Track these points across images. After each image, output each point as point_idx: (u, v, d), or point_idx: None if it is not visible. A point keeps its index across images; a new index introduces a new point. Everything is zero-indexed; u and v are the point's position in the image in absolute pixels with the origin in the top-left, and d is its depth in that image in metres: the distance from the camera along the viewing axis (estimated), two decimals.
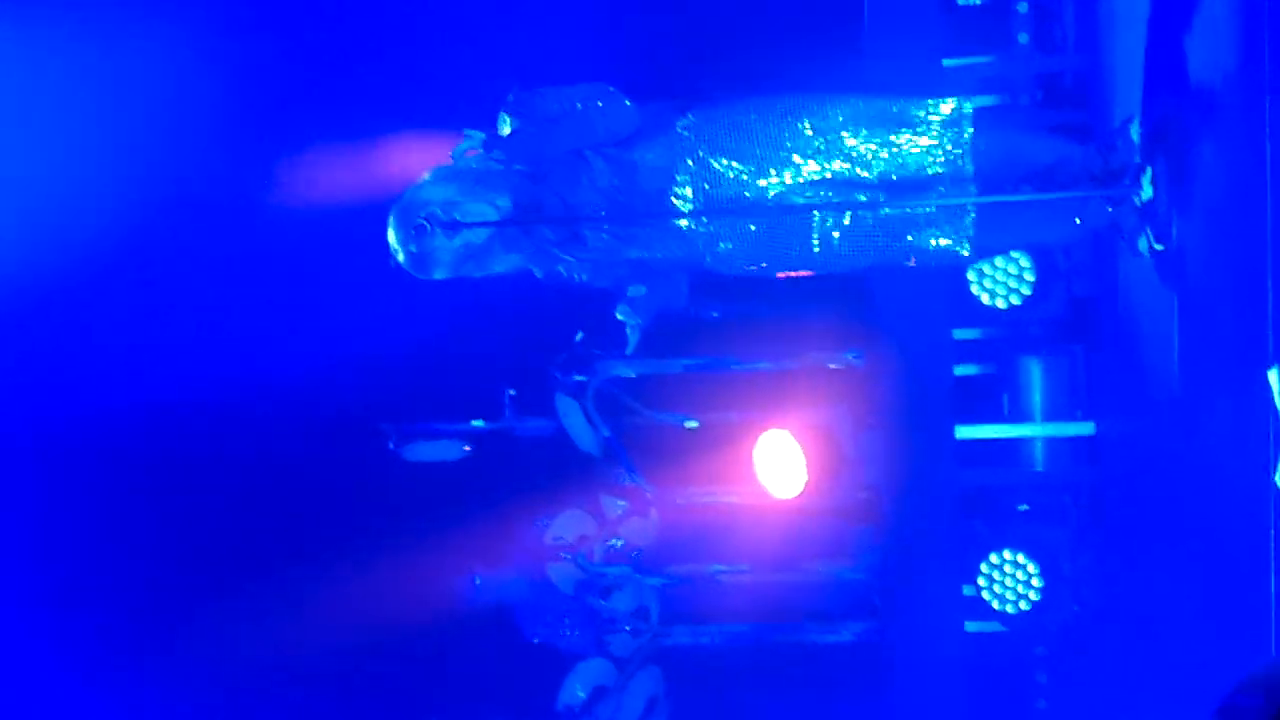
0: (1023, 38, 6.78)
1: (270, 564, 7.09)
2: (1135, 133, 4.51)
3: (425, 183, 4.60)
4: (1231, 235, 3.98)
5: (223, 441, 7.17)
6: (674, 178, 4.49)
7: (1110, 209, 4.54)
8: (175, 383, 7.08)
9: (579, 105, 4.52)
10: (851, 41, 6.45)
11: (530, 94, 4.63)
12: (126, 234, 6.91)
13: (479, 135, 4.63)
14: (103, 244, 6.87)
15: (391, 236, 4.55)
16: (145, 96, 6.87)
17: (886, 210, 4.43)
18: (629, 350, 4.80)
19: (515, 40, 6.80)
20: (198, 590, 7.11)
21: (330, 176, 6.88)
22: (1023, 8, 6.75)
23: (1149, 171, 4.45)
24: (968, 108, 4.47)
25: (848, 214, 4.45)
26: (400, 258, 4.54)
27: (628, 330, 4.71)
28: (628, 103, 4.55)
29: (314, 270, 6.93)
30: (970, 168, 4.42)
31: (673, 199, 4.47)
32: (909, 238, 4.46)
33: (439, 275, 4.55)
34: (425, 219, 4.46)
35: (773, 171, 4.45)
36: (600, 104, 4.52)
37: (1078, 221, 4.57)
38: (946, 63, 6.60)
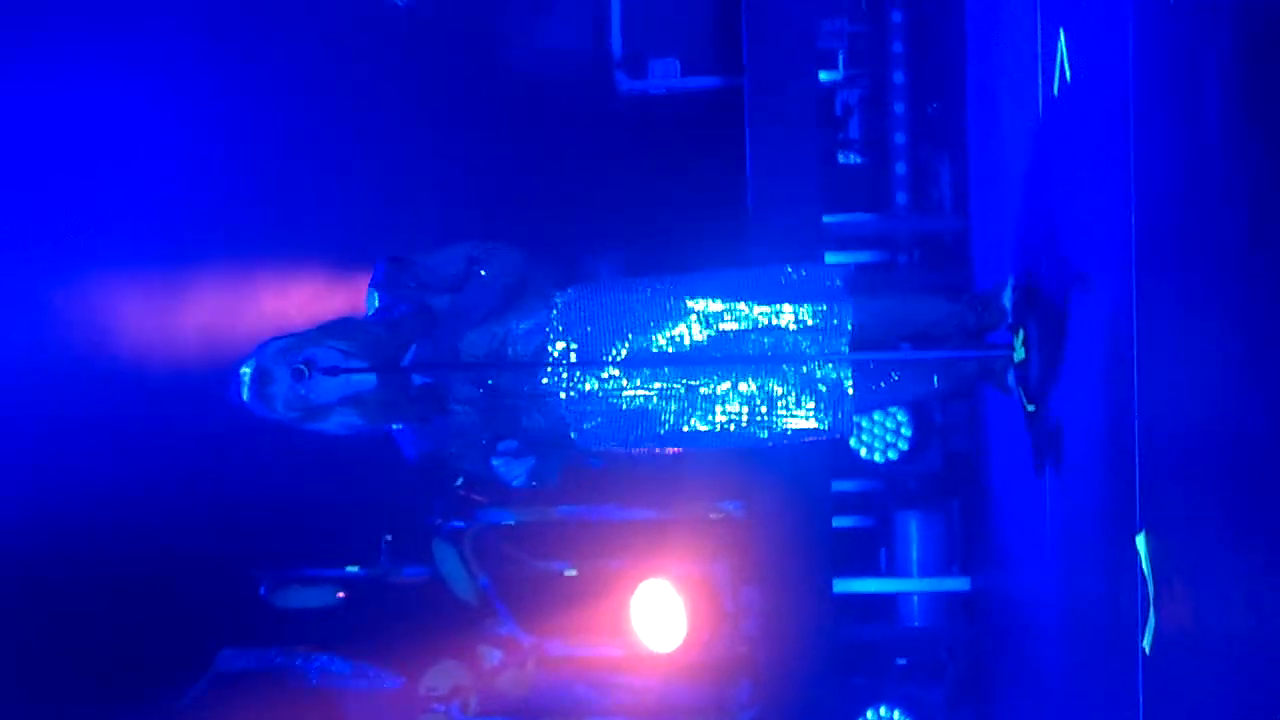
0: (901, 198, 6.94)
1: (128, 706, 6.87)
2: (1008, 297, 4.59)
3: (311, 336, 4.50)
4: (1100, 400, 4.05)
5: (86, 579, 6.98)
6: (545, 352, 4.47)
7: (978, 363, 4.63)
8: (45, 521, 6.92)
9: (484, 274, 4.49)
10: (735, 198, 6.56)
11: (404, 264, 4.58)
12: None
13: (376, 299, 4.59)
14: None
15: (250, 368, 4.44)
16: None
17: (758, 383, 4.44)
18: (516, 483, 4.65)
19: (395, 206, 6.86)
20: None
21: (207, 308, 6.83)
22: (901, 169, 6.92)
23: (1021, 333, 4.53)
24: (838, 282, 4.52)
25: (720, 401, 4.46)
26: (245, 392, 4.44)
27: (510, 479, 4.61)
28: (515, 252, 4.56)
29: (187, 410, 6.83)
30: (845, 339, 4.46)
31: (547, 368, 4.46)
32: (784, 424, 4.47)
33: (270, 415, 4.45)
34: (305, 362, 4.38)
35: (649, 349, 4.45)
36: (498, 262, 4.51)
37: (935, 382, 4.64)
38: (827, 219, 6.72)
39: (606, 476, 6.99)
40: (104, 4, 6.93)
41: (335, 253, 6.14)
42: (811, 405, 4.44)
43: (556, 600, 7.18)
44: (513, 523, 7.13)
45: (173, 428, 6.90)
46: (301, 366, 4.35)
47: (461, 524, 7.11)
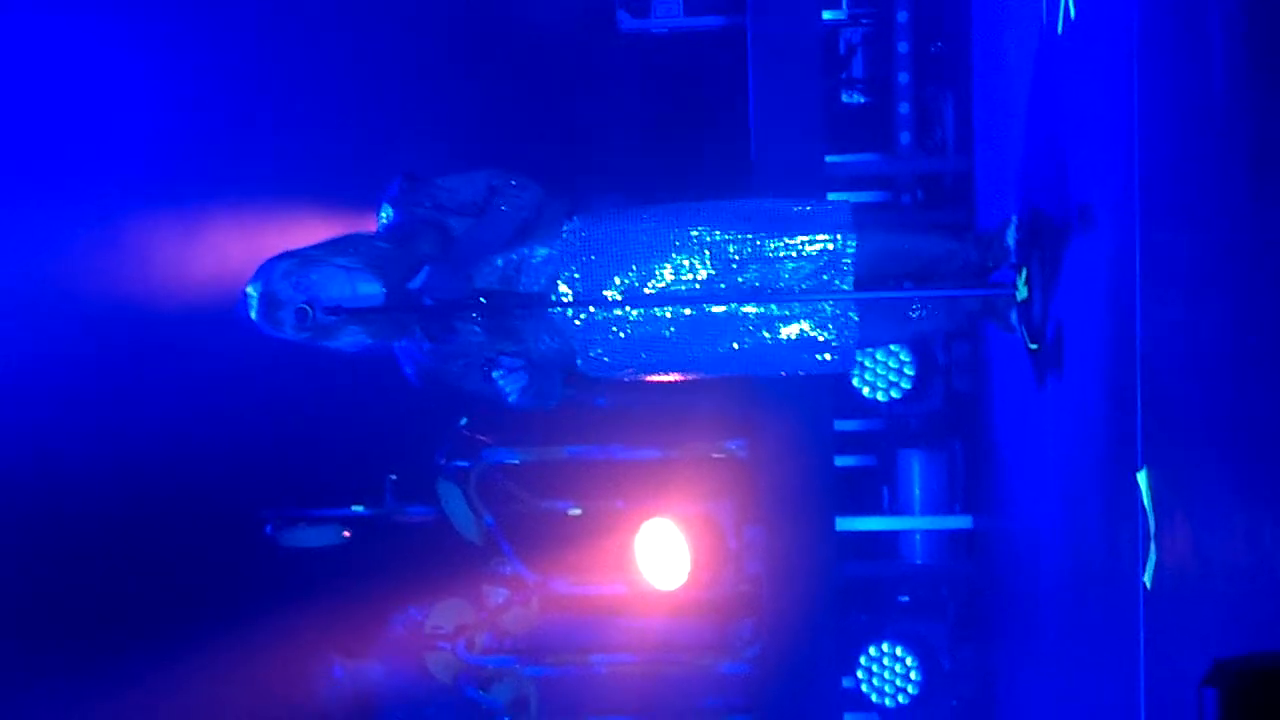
0: (904, 138, 6.93)
1: (134, 645, 6.93)
2: (1011, 236, 4.60)
3: (315, 255, 4.49)
4: (1102, 338, 4.07)
5: (95, 518, 7.03)
6: (557, 278, 4.49)
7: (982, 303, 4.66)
8: (52, 456, 6.95)
9: (504, 207, 4.49)
10: (737, 138, 6.55)
11: (421, 183, 4.59)
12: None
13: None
14: None
15: (256, 290, 4.46)
16: None
17: (762, 309, 4.45)
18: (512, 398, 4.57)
19: (396, 133, 6.86)
20: (49, 666, 6.93)
21: (209, 249, 6.85)
22: (904, 109, 6.90)
23: (1024, 272, 4.54)
24: (845, 216, 4.54)
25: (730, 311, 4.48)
26: (253, 313, 4.47)
27: (506, 388, 4.55)
28: (535, 186, 4.56)
29: (193, 349, 6.85)
30: (850, 273, 4.48)
31: (554, 298, 4.47)
32: (789, 335, 4.49)
33: (280, 336, 4.46)
34: (308, 303, 4.39)
35: (654, 279, 4.48)
36: (517, 194, 4.51)
37: (938, 319, 4.68)
38: (830, 159, 6.71)
39: (610, 416, 7.00)
40: None
41: (341, 189, 6.16)
42: (817, 334, 4.47)
43: (561, 539, 7.21)
44: (517, 462, 7.15)
45: (179, 367, 6.94)
46: (305, 307, 4.36)
47: (466, 463, 7.12)
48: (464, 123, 7.03)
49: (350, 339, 4.47)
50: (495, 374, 4.45)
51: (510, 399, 4.50)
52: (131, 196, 7.05)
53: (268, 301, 4.41)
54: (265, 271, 4.45)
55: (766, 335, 4.48)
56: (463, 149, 6.42)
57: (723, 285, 4.46)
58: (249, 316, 4.46)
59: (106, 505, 7.06)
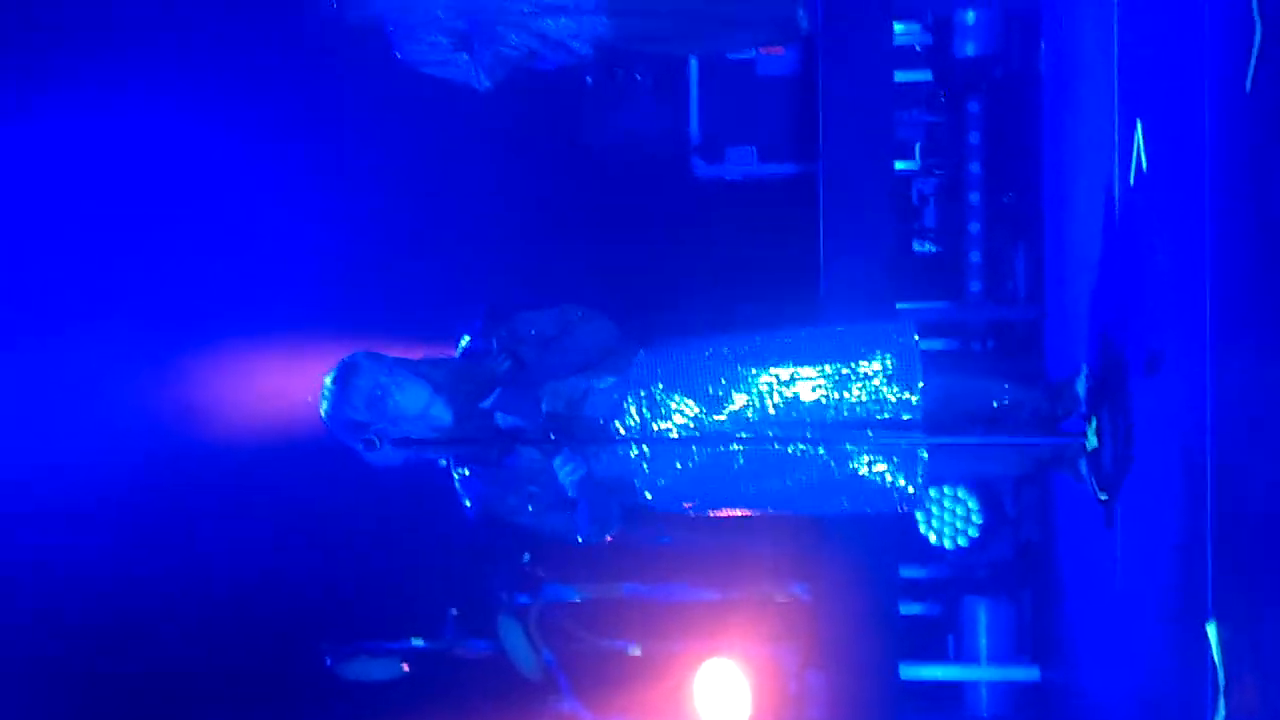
0: (975, 286, 6.97)
1: None
2: (1082, 386, 4.60)
3: (406, 376, 4.55)
4: (1174, 489, 4.05)
5: (155, 648, 7.05)
6: (622, 409, 4.52)
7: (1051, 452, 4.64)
8: (110, 589, 7.00)
9: (577, 338, 4.56)
10: (809, 284, 6.61)
11: (501, 315, 4.67)
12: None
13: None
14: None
15: (333, 381, 4.46)
16: None
17: (823, 452, 4.45)
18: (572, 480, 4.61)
19: (473, 267, 6.99)
20: None
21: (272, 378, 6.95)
22: (975, 258, 6.96)
23: (1094, 422, 4.53)
24: (914, 337, 4.55)
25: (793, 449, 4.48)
26: (327, 392, 4.48)
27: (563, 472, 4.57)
28: (609, 322, 4.63)
29: (259, 482, 6.92)
30: (919, 413, 4.48)
31: (619, 429, 4.50)
32: (857, 470, 4.48)
33: (350, 415, 4.47)
34: (376, 434, 4.44)
35: (719, 411, 4.49)
36: (591, 329, 4.58)
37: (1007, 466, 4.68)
38: (901, 306, 6.75)
39: (672, 556, 6.99)
40: (225, 91, 7.18)
41: (420, 325, 6.29)
42: (883, 469, 4.45)
43: (620, 678, 7.17)
44: (578, 599, 7.15)
45: (243, 499, 7.00)
46: (373, 438, 4.41)
47: (527, 599, 7.13)
48: (542, 262, 7.15)
49: (432, 417, 4.46)
50: (555, 460, 4.46)
51: (568, 491, 4.49)
52: (200, 328, 7.18)
53: (347, 369, 4.46)
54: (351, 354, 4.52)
55: (834, 468, 4.46)
56: (541, 287, 6.53)
57: (788, 416, 4.47)
58: (321, 413, 4.49)
59: (166, 634, 7.08)
